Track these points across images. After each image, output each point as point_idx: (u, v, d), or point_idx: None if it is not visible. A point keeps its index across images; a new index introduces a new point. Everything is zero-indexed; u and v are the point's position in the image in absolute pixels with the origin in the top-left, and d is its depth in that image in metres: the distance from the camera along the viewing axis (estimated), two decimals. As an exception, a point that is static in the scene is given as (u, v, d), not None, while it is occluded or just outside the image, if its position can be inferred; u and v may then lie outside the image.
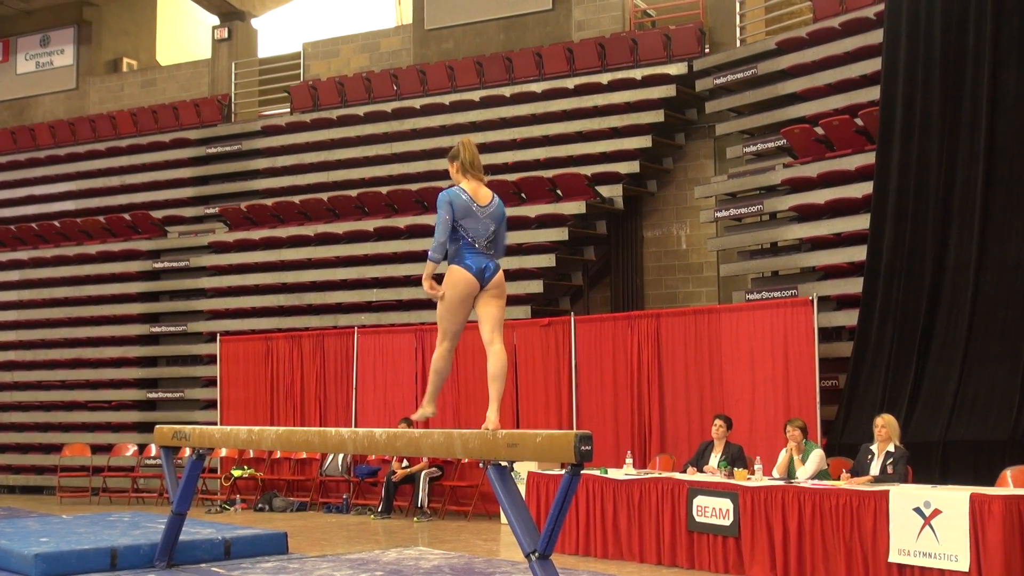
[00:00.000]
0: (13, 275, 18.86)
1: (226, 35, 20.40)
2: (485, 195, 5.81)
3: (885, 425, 8.47)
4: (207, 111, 19.42)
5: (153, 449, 14.98)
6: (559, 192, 14.81)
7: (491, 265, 5.75)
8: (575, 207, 14.45)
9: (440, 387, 6.00)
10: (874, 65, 11.93)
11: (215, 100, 19.54)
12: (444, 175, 15.98)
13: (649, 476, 8.98)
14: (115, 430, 16.89)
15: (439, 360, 5.86)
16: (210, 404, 15.79)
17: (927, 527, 6.98)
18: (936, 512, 6.95)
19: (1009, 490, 7.46)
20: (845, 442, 9.72)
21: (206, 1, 20.64)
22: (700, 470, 9.35)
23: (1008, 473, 8.03)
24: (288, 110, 19.01)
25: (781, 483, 8.17)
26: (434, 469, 12.59)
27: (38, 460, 17.22)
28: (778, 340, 10.63)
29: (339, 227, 16.16)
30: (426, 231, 14.09)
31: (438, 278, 5.82)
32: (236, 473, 14.17)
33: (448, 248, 5.73)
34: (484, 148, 16.19)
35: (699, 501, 8.35)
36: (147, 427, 15.70)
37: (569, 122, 15.73)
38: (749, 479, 8.38)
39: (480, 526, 11.59)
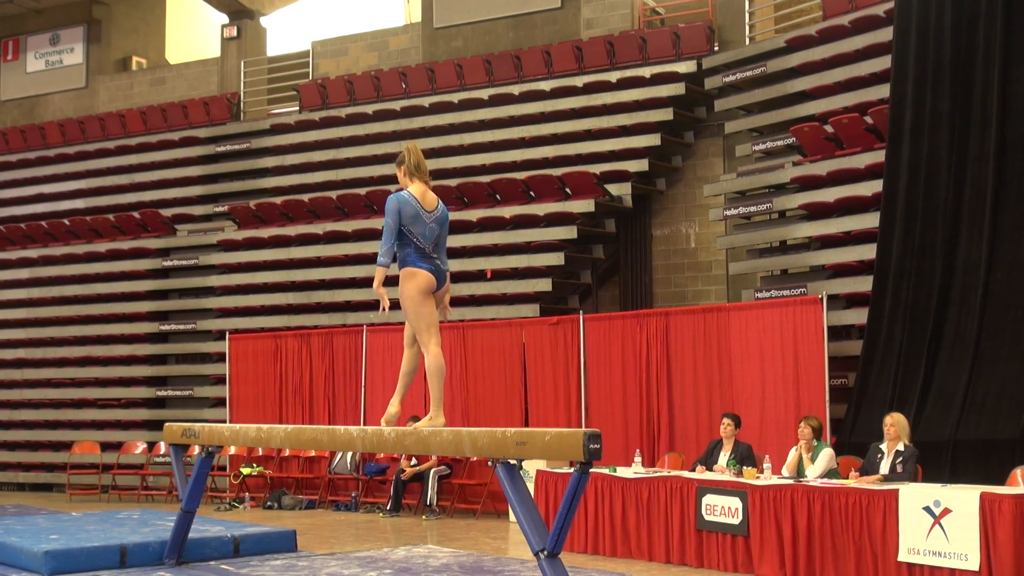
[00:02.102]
0: (23, 273, 18.92)
1: (235, 34, 20.42)
2: (431, 199, 6.05)
3: (894, 424, 8.44)
4: (216, 109, 19.45)
5: (162, 447, 15.01)
6: (568, 190, 14.80)
7: (444, 273, 6.07)
8: (584, 205, 14.44)
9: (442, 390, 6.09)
10: (884, 63, 11.89)
11: (224, 98, 19.57)
12: (450, 174, 16.19)
13: (658, 474, 8.97)
14: (124, 428, 16.95)
15: (438, 359, 5.95)
16: (219, 402, 15.82)
17: (937, 526, 6.96)
18: (946, 511, 6.93)
19: (1019, 489, 7.42)
20: (854, 441, 9.70)
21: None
22: (709, 468, 9.34)
23: (1018, 472, 7.98)
24: (297, 108, 19.04)
25: (790, 482, 8.16)
26: (443, 467, 12.60)
27: (48, 457, 17.28)
28: (787, 339, 10.61)
29: (348, 225, 16.16)
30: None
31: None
32: (245, 471, 14.21)
33: (397, 253, 5.99)
34: (493, 146, 16.32)
35: (708, 500, 8.34)
36: (156, 425, 15.77)
37: (578, 120, 15.73)
38: (758, 478, 8.37)
39: (489, 524, 11.59)
